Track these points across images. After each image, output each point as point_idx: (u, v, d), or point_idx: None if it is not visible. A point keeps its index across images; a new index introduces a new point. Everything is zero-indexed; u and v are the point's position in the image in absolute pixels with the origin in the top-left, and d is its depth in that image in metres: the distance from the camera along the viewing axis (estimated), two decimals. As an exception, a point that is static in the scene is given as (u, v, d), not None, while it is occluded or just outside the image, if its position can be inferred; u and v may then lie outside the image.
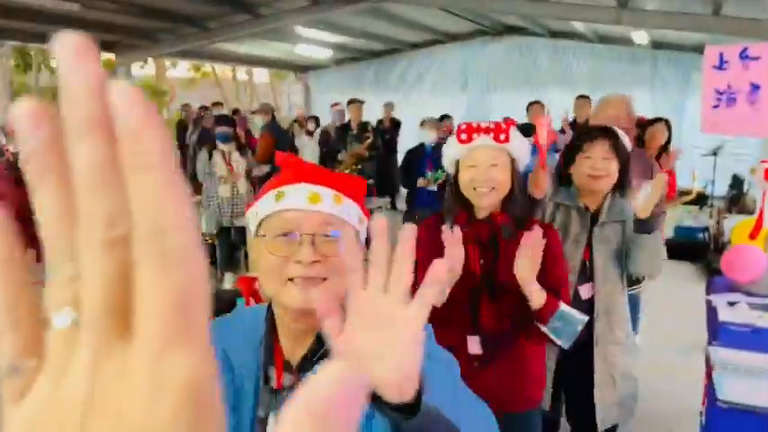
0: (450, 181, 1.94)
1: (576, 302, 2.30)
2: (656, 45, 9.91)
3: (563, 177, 2.48)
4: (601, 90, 8.97)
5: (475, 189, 1.83)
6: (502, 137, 1.80)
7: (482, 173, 1.81)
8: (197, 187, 5.52)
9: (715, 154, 8.41)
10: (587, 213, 2.38)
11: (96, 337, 0.21)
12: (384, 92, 11.66)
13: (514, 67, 11.41)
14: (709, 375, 2.76)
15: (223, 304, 4.02)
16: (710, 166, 8.57)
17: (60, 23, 7.94)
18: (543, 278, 1.81)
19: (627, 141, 3.00)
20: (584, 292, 2.36)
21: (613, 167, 2.32)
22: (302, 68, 13.05)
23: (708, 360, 2.86)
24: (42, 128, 0.21)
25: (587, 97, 6.90)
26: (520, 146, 1.84)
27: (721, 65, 3.58)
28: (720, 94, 3.63)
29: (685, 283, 5.92)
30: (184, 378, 0.20)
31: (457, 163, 1.89)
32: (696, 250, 6.88)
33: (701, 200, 9.20)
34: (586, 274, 2.36)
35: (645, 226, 2.27)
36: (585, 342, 2.30)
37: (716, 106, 3.68)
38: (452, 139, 1.89)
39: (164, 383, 0.20)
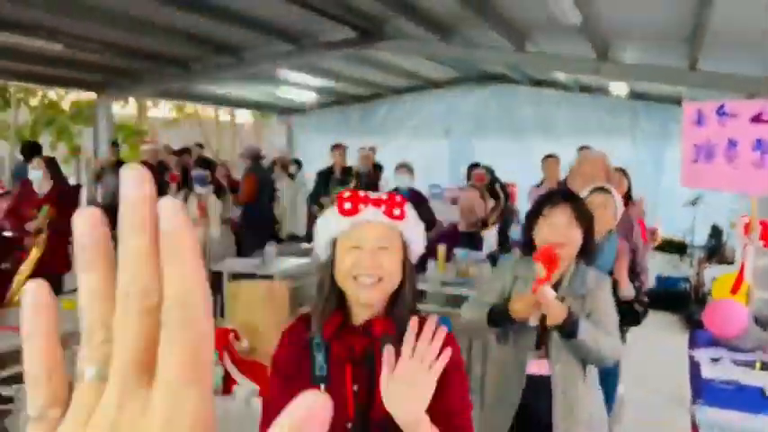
0: (326, 268, 1.47)
1: (529, 381, 2.22)
2: (636, 96, 10.10)
3: (525, 245, 2.38)
4: (582, 139, 9.13)
5: (356, 278, 1.38)
6: (396, 212, 1.39)
7: (368, 257, 1.38)
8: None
9: (694, 204, 8.49)
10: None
11: (123, 381, 0.27)
12: (367, 136, 11.70)
13: (497, 115, 11.54)
14: (695, 435, 2.70)
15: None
16: (690, 216, 8.65)
17: (43, 62, 7.92)
18: (438, 406, 1.23)
19: (619, 201, 3.01)
20: (538, 368, 2.23)
21: (575, 235, 2.22)
22: (285, 111, 13.10)
23: (693, 420, 2.80)
24: (97, 229, 0.29)
25: (555, 156, 6.92)
26: (414, 226, 1.45)
27: (700, 121, 3.62)
28: (699, 149, 3.65)
29: (667, 333, 5.89)
30: (197, 409, 0.27)
31: (333, 243, 1.44)
32: (677, 300, 6.87)
33: (680, 249, 9.26)
34: (541, 348, 2.24)
35: (563, 331, 2.11)
36: (548, 424, 2.18)
37: (695, 161, 3.70)
38: (332, 210, 1.43)
39: (181, 414, 0.26)
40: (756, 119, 3.43)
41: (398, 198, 1.42)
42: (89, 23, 6.54)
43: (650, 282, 7.23)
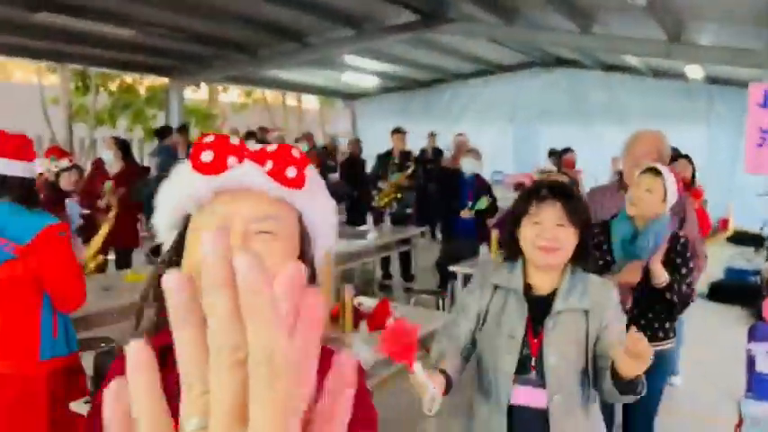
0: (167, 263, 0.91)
1: (520, 413, 1.85)
2: (712, 80, 9.65)
3: (508, 248, 2.00)
4: (654, 125, 8.78)
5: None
6: (290, 173, 0.81)
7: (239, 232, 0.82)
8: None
9: (769, 193, 8.08)
10: (531, 299, 1.90)
11: (221, 430, 0.29)
12: (430, 121, 11.66)
13: (564, 100, 11.25)
14: (738, 428, 2.63)
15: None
16: (767, 206, 8.25)
17: (117, 48, 8.31)
18: None
19: (671, 184, 2.61)
20: (530, 398, 1.86)
21: (568, 237, 1.83)
22: (349, 96, 13.23)
23: (739, 413, 2.73)
24: (186, 290, 0.30)
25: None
26: (320, 201, 0.88)
27: (766, 103, 3.46)
28: (765, 132, 3.50)
29: (732, 327, 5.65)
30: None
31: (186, 222, 0.86)
32: (746, 293, 6.57)
33: (755, 241, 8.84)
34: (534, 376, 1.85)
35: (627, 387, 1.72)
36: None
37: (760, 145, 3.55)
38: (184, 167, 0.85)
39: None
40: (827, 101, 3.26)
41: (296, 152, 0.83)
42: (159, 10, 6.83)
43: (716, 274, 6.99)
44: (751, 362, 3.03)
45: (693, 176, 4.73)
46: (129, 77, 11.11)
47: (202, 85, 11.31)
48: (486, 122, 11.70)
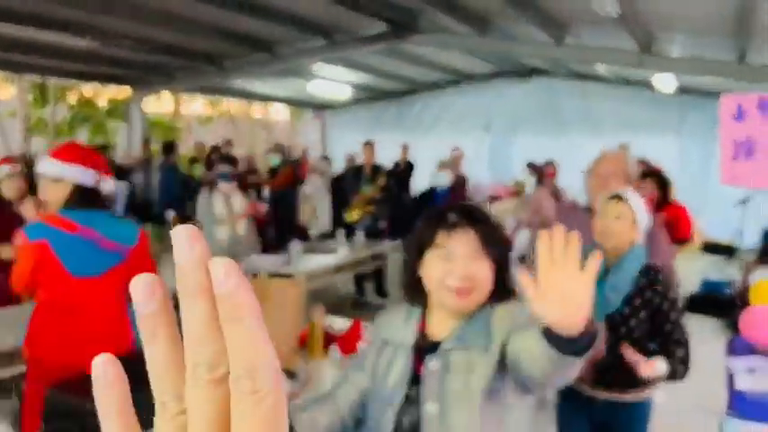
0: None
1: None
2: (684, 90, 9.71)
3: (408, 290, 1.59)
4: (628, 135, 8.86)
5: None
6: None
7: None
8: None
9: (744, 204, 8.12)
10: (425, 349, 1.52)
11: None
12: (403, 132, 11.60)
13: (538, 110, 11.26)
14: (720, 449, 2.55)
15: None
16: (740, 216, 8.28)
17: (78, 59, 8.07)
18: None
19: (640, 207, 2.41)
20: None
21: (485, 273, 1.46)
22: (320, 107, 13.08)
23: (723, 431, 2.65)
24: (156, 296, 0.28)
25: None
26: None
27: (739, 115, 3.40)
28: (739, 145, 3.44)
29: (708, 339, 5.61)
30: None
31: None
32: (722, 305, 6.56)
33: (728, 252, 8.87)
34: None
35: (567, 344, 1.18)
36: None
37: (735, 158, 3.49)
38: None
39: None
40: (801, 113, 3.20)
41: None
42: (122, 19, 6.61)
43: (692, 285, 6.97)
44: (730, 378, 2.98)
45: (666, 190, 4.68)
46: (88, 90, 10.84)
47: (166, 97, 11.06)
48: (460, 133, 11.64)
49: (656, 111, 10.27)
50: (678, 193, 6.55)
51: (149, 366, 0.28)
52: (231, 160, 5.55)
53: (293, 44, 8.25)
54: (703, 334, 6.00)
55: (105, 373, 0.28)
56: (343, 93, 11.36)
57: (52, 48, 7.34)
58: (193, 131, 13.05)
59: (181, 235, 0.28)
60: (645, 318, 2.37)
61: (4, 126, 10.89)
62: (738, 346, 3.29)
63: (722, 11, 5.14)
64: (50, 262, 2.46)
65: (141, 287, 0.28)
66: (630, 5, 5.31)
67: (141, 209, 7.89)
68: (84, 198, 2.52)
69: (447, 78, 11.52)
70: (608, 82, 10.51)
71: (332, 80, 10.50)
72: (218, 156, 6.17)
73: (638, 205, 2.46)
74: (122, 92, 10.08)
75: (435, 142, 11.30)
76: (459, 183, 8.04)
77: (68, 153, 2.55)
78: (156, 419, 0.28)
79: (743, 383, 2.90)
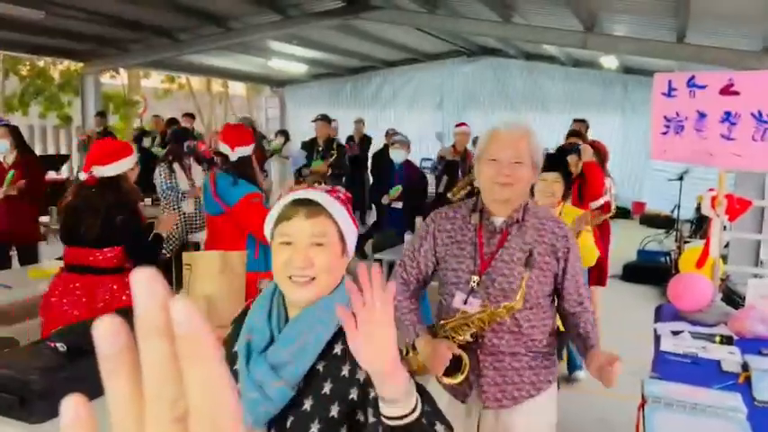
0: None
1: None
2: (627, 70, 10.02)
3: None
4: (574, 112, 9.09)
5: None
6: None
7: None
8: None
9: (681, 178, 8.46)
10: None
11: None
12: (360, 108, 11.65)
13: (490, 87, 11.48)
14: (641, 407, 2.70)
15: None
16: (677, 190, 8.63)
17: (26, 31, 7.84)
18: None
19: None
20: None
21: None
22: (278, 83, 12.99)
23: (642, 392, 2.79)
24: (119, 338, 0.27)
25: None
26: None
27: (670, 92, 3.58)
28: (669, 121, 3.62)
29: (642, 306, 5.90)
30: None
31: None
32: (657, 274, 6.89)
33: (667, 224, 9.26)
34: None
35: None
36: None
37: (664, 133, 3.66)
38: None
39: None
40: (725, 91, 3.39)
41: None
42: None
43: (630, 255, 7.30)
44: (657, 341, 3.13)
45: (602, 164, 4.87)
46: (41, 62, 10.49)
47: (122, 70, 10.81)
48: (416, 109, 11.78)
49: (601, 89, 10.58)
50: (620, 169, 6.85)
51: (110, 404, 0.28)
52: (188, 134, 5.50)
53: (247, 18, 8.19)
54: (638, 301, 6.31)
55: (74, 415, 0.28)
56: (299, 69, 11.30)
57: (2, 20, 7.11)
58: (151, 106, 12.78)
59: (140, 278, 0.28)
60: None
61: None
62: (665, 312, 3.48)
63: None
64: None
65: (104, 328, 0.28)
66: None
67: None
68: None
69: (402, 56, 11.62)
70: (555, 61, 10.75)
71: (288, 56, 10.44)
72: (177, 129, 6.03)
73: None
74: (76, 66, 9.78)
75: (393, 118, 11.41)
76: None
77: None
78: None
79: (667, 345, 3.04)
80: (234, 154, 3.48)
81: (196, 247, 5.17)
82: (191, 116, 9.24)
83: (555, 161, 3.31)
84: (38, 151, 8.75)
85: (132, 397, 0.28)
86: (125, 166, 2.99)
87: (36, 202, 4.99)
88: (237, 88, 15.64)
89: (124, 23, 7.94)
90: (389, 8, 7.58)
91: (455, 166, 6.84)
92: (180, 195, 5.19)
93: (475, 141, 8.14)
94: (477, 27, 7.94)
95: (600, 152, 4.91)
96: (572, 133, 5.21)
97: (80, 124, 9.51)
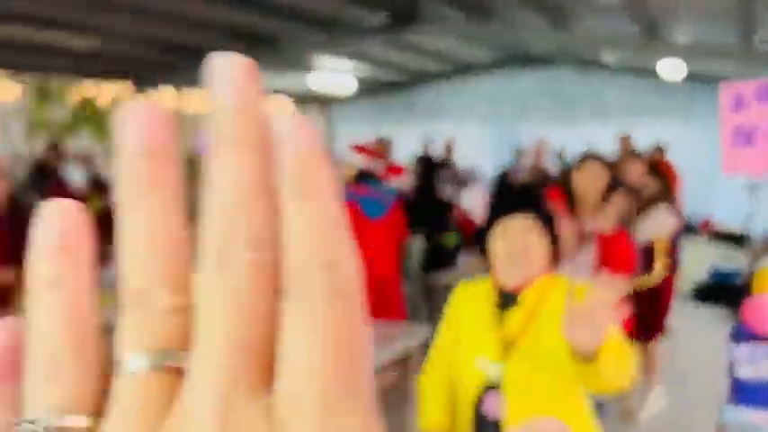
0: None
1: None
2: (691, 77, 9.60)
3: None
4: (636, 123, 8.77)
5: None
6: None
7: None
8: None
9: (752, 190, 8.01)
10: None
11: (224, 381, 0.16)
12: (412, 123, 11.56)
13: (544, 99, 11.21)
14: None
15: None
16: (749, 204, 8.19)
17: (78, 57, 8.08)
18: None
19: None
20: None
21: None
22: (324, 101, 13.04)
23: (721, 420, 2.64)
24: (160, 134, 0.19)
25: None
26: None
27: (738, 102, 3.37)
28: (738, 132, 3.41)
29: (715, 328, 5.57)
30: None
31: None
32: (731, 294, 6.50)
33: (738, 240, 8.78)
34: None
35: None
36: None
37: (735, 145, 3.46)
38: None
39: None
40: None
41: None
42: (122, 17, 6.63)
43: (701, 274, 6.93)
44: (732, 366, 2.96)
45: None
46: (90, 89, 10.82)
47: (167, 95, 11.06)
48: (468, 123, 11.60)
49: (663, 97, 10.18)
50: (688, 183, 6.52)
51: (123, 237, 0.18)
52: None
53: (294, 38, 8.23)
54: (711, 323, 5.96)
55: (64, 225, 0.19)
56: (348, 85, 11.32)
57: (53, 47, 7.36)
58: (196, 130, 13.03)
59: (227, 62, 0.20)
60: None
61: (8, 126, 10.96)
62: (740, 334, 3.27)
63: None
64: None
65: (137, 115, 0.19)
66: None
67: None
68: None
69: (453, 68, 11.48)
70: (614, 69, 10.43)
71: (336, 73, 10.48)
72: None
73: None
74: (123, 90, 10.05)
75: (443, 133, 11.29)
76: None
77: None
78: (122, 319, 0.18)
79: (743, 371, 2.89)
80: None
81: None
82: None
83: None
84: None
85: (168, 230, 0.18)
86: None
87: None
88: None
89: (172, 47, 8.07)
90: (439, 20, 7.50)
91: None
92: None
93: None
94: (532, 36, 7.78)
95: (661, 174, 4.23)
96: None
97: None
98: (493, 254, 1.68)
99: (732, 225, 9.14)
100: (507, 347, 1.60)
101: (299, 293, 0.17)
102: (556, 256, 1.71)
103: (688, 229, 9.54)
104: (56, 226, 0.18)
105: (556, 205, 2.87)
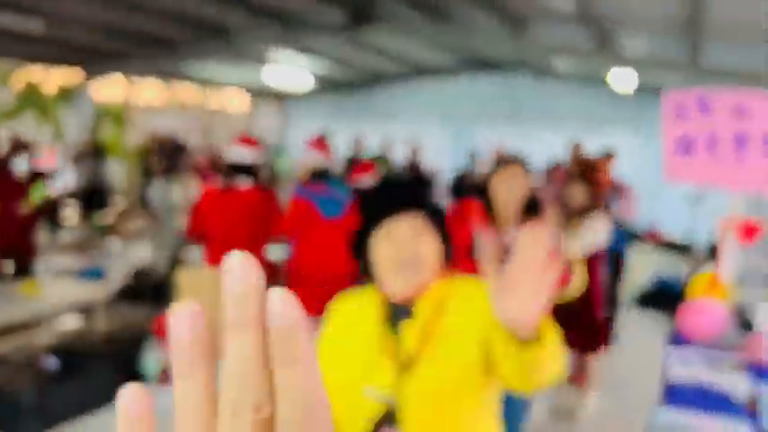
0: None
1: None
2: (642, 88, 9.87)
3: None
4: (587, 131, 8.97)
5: None
6: None
7: None
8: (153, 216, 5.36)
9: (696, 201, 8.29)
10: None
11: None
12: (365, 122, 11.57)
13: (499, 102, 11.37)
14: (649, 436, 2.61)
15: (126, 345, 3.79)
16: (693, 214, 8.47)
17: (23, 42, 7.80)
18: None
19: None
20: None
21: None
22: (279, 96, 12.95)
23: (651, 421, 2.72)
24: (198, 324, 0.25)
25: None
26: None
27: (680, 112, 3.47)
28: (680, 141, 3.51)
29: (655, 333, 5.74)
30: None
31: None
32: (673, 301, 6.71)
33: (682, 249, 9.07)
34: None
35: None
36: None
37: (676, 153, 3.56)
38: None
39: None
40: (737, 110, 3.28)
41: None
42: (70, 1, 6.44)
43: (645, 281, 7.13)
44: (666, 370, 3.05)
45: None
46: (36, 74, 10.46)
47: (117, 84, 10.76)
48: (422, 124, 11.68)
49: (614, 106, 10.43)
50: (635, 191, 6.70)
51: (177, 401, 0.26)
52: (182, 150, 5.47)
53: (250, 30, 8.14)
54: (654, 329, 6.14)
55: (133, 408, 0.26)
56: (305, 82, 11.26)
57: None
58: (147, 119, 12.70)
59: (236, 261, 0.25)
60: None
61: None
62: (676, 338, 3.39)
63: (677, 9, 5.22)
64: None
65: (181, 317, 0.25)
66: (587, 3, 5.38)
67: (91, 197, 7.71)
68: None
69: (409, 70, 11.53)
70: (567, 77, 10.64)
71: (292, 69, 10.41)
72: (173, 144, 5.96)
73: None
74: (72, 76, 9.72)
75: (397, 133, 11.35)
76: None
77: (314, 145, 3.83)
78: None
79: (675, 373, 2.98)
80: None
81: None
82: (192, 133, 9.03)
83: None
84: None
85: (205, 397, 0.25)
86: None
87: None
88: (237, 103, 15.57)
89: (122, 34, 7.89)
90: (397, 21, 7.53)
91: None
92: (173, 210, 5.15)
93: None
94: (487, 41, 7.87)
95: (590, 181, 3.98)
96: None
97: (74, 138, 9.48)
98: (375, 262, 1.42)
99: (677, 234, 9.45)
100: (403, 371, 1.33)
101: None
102: (449, 258, 1.48)
103: (635, 237, 9.83)
104: (128, 408, 0.26)
105: (474, 215, 2.74)
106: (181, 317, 0.25)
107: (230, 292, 0.25)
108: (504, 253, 1.03)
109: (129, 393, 0.26)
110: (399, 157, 9.05)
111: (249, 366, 0.24)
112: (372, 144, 9.46)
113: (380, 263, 1.40)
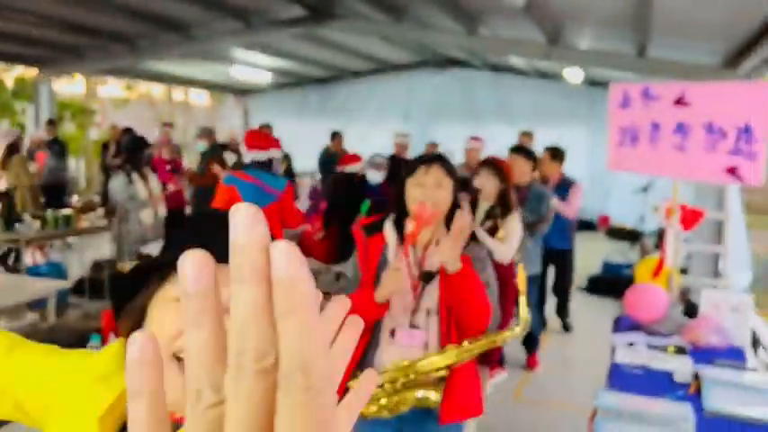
0: None
1: None
2: (592, 82, 10.11)
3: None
4: (540, 125, 9.14)
5: None
6: None
7: None
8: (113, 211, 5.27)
9: (645, 190, 8.54)
10: None
11: None
12: (327, 118, 11.57)
13: (456, 99, 11.50)
14: (592, 418, 2.68)
15: (72, 338, 3.76)
16: (642, 203, 8.73)
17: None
18: None
19: None
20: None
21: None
22: (242, 91, 12.87)
23: (595, 404, 2.78)
24: (206, 274, 0.25)
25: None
26: None
27: (625, 103, 3.58)
28: (624, 131, 3.62)
29: (605, 319, 5.91)
30: None
31: None
32: (621, 286, 6.90)
33: (632, 237, 9.34)
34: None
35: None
36: None
37: (621, 144, 3.67)
38: None
39: None
40: (679, 102, 3.40)
41: None
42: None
43: (595, 268, 7.33)
44: (612, 353, 3.13)
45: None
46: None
47: (79, 77, 10.52)
48: (382, 120, 11.74)
49: (566, 101, 10.66)
50: (585, 181, 6.88)
51: (188, 351, 0.26)
52: (144, 143, 5.37)
53: (208, 26, 8.07)
54: (601, 313, 6.32)
55: (142, 352, 0.27)
56: (264, 77, 11.19)
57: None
58: (108, 114, 12.48)
59: (241, 214, 0.25)
60: None
61: None
62: (623, 323, 3.48)
63: (625, 4, 5.35)
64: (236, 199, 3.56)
65: (191, 264, 0.26)
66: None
67: (53, 191, 7.55)
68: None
69: (369, 66, 11.58)
70: (522, 73, 10.82)
71: (252, 64, 10.33)
72: (134, 138, 5.81)
73: None
74: (31, 72, 9.53)
75: (360, 129, 11.38)
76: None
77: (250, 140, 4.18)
78: (189, 409, 0.26)
79: (622, 357, 3.04)
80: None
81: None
82: (168, 125, 8.80)
83: None
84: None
85: (214, 345, 0.26)
86: None
87: None
88: (200, 97, 15.38)
89: (80, 29, 7.74)
90: (354, 17, 7.54)
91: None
92: (138, 204, 5.08)
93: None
94: (443, 38, 7.95)
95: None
96: (514, 149, 4.54)
97: (33, 132, 9.26)
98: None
99: (629, 222, 9.72)
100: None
101: (285, 389, 0.24)
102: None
103: (587, 225, 10.08)
104: (137, 353, 0.27)
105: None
106: (190, 266, 0.26)
107: (235, 243, 0.25)
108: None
109: (138, 339, 0.27)
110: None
111: (253, 315, 0.25)
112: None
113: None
